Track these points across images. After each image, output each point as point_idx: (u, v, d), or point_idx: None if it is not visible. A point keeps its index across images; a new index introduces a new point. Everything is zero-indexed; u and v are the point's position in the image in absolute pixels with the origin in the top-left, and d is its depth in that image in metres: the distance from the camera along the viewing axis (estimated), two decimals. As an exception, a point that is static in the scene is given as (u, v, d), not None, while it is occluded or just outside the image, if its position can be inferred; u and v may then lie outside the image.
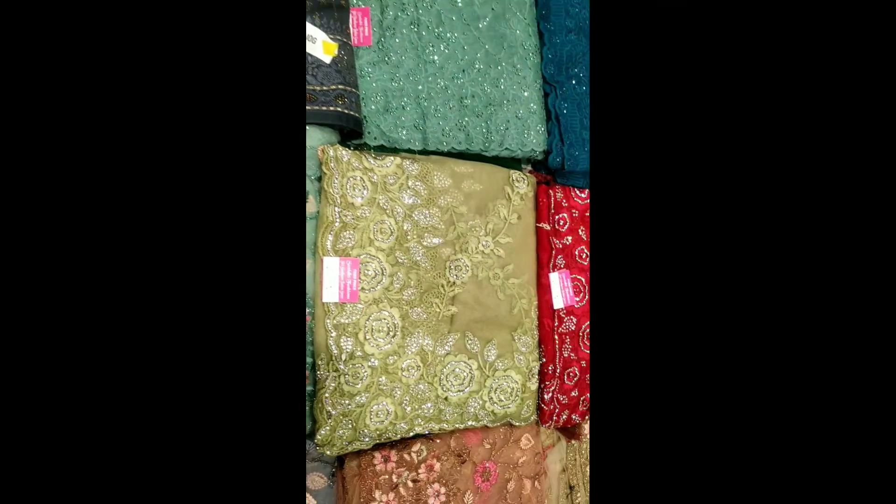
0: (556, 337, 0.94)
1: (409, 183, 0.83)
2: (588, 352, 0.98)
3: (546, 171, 1.03)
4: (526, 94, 0.98)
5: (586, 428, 1.04)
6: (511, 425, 0.92)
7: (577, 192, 0.99)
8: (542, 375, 0.94)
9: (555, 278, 0.94)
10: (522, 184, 0.94)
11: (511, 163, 1.01)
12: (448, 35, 0.92)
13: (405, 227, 0.82)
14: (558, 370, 0.94)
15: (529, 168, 1.04)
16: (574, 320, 0.96)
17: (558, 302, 0.94)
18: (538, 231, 0.95)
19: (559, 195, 0.96)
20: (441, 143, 0.92)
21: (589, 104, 1.04)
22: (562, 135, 1.00)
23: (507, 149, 0.97)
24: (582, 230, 0.99)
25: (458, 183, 0.88)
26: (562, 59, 1.02)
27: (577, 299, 0.97)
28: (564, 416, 0.96)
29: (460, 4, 0.93)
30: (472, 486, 0.85)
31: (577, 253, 0.98)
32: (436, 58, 0.90)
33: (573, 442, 1.02)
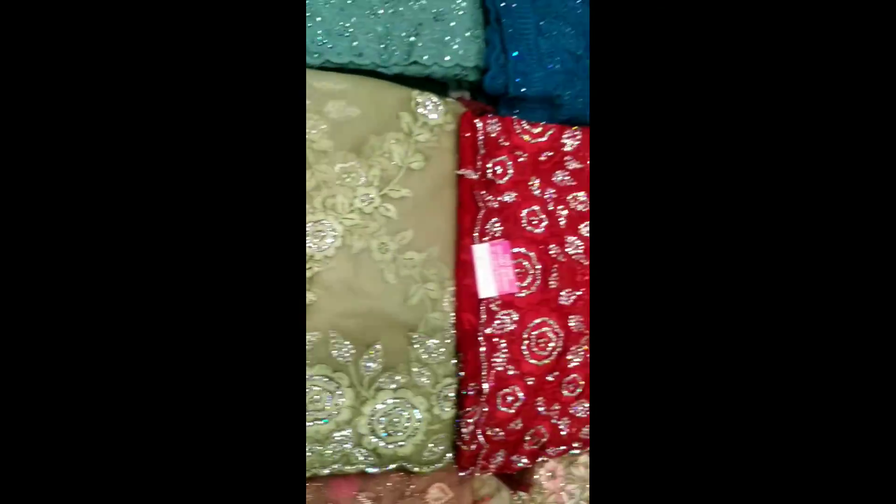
0: (484, 341, 0.62)
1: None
2: (538, 363, 0.65)
3: (487, 99, 0.71)
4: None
5: (543, 475, 0.71)
6: (408, 472, 0.60)
7: (528, 126, 0.66)
8: (461, 399, 0.62)
9: (482, 252, 0.62)
10: (432, 110, 0.63)
11: (430, 86, 0.69)
12: None
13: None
14: (485, 391, 0.62)
15: (464, 96, 0.72)
16: (515, 317, 0.63)
17: (487, 289, 0.62)
18: (459, 182, 0.63)
19: (493, 128, 0.64)
20: (313, 55, 0.63)
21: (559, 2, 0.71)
22: (504, 44, 0.67)
23: (416, 63, 0.66)
24: (535, 183, 0.66)
25: (319, 105, 0.58)
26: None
27: (522, 285, 0.64)
28: (499, 459, 0.64)
29: None
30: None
31: (524, 216, 0.65)
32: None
33: (521, 494, 0.69)
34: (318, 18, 0.63)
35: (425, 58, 0.66)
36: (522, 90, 0.67)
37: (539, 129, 0.67)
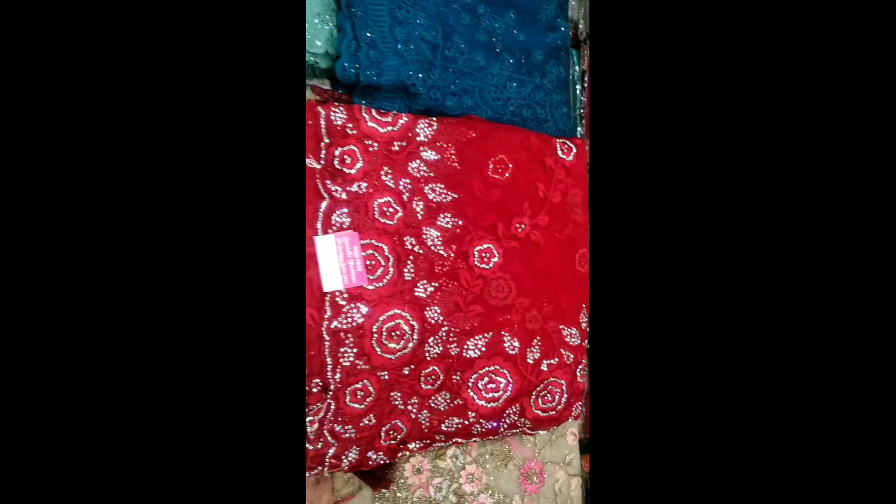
0: (327, 335, 0.60)
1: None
2: (392, 357, 0.64)
3: (344, 88, 0.69)
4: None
5: (408, 469, 0.70)
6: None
7: (377, 114, 0.64)
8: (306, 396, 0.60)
9: (326, 244, 0.60)
10: (274, 98, 0.60)
11: None
12: None
13: None
14: (332, 387, 0.60)
15: (319, 84, 0.69)
16: (365, 310, 0.62)
17: (332, 281, 0.60)
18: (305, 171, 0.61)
19: (338, 116, 0.62)
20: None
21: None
22: (356, 31, 0.65)
23: (259, 48, 0.62)
24: (389, 173, 0.65)
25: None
26: (363, -81, 0.67)
27: (372, 277, 0.62)
28: (352, 457, 0.62)
29: None
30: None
31: (376, 207, 0.64)
32: None
33: (382, 491, 0.68)
34: None
35: (268, 44, 0.63)
36: (375, 78, 0.66)
37: (389, 119, 0.65)
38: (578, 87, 1.04)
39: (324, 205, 0.61)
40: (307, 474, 0.61)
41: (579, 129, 1.02)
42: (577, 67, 1.02)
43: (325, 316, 0.60)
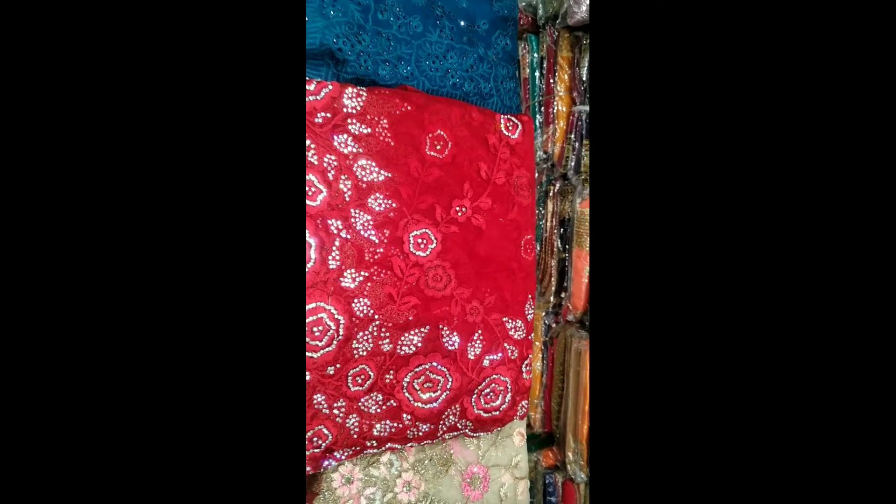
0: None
1: None
2: (314, 355, 0.56)
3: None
4: None
5: (336, 480, 0.63)
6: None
7: (298, 81, 0.56)
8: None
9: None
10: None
11: None
12: None
13: None
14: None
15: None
16: (280, 302, 0.54)
17: (241, 269, 0.51)
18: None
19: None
20: None
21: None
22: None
23: None
24: (310, 148, 0.57)
25: None
26: None
27: (290, 265, 0.54)
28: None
29: None
30: None
31: (295, 186, 0.55)
32: None
33: (304, 505, 0.60)
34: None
35: None
36: (294, 40, 0.58)
37: (312, 87, 0.57)
38: (538, 72, 0.99)
39: (230, 181, 0.52)
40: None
41: (538, 117, 0.97)
42: (535, 54, 0.98)
43: (232, 309, 0.52)
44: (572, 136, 0.98)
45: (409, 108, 0.64)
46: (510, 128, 0.72)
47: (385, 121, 0.62)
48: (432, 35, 0.68)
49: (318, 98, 0.58)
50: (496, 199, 0.70)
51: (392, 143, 0.63)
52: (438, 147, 0.65)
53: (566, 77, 0.98)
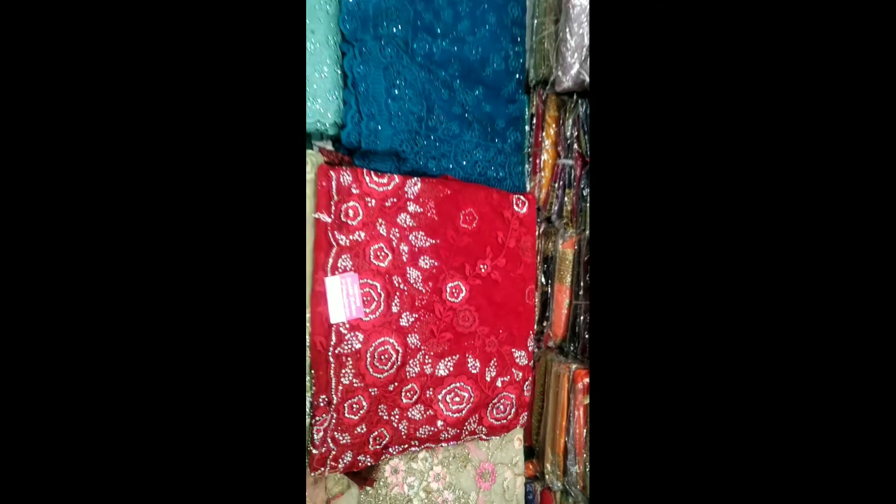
0: (332, 359, 0.73)
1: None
2: (380, 376, 0.78)
3: (347, 151, 0.82)
4: (315, 50, 0.77)
5: (387, 470, 0.84)
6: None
7: (376, 176, 0.78)
8: (313, 409, 0.73)
9: (333, 284, 0.73)
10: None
11: None
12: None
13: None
14: (335, 401, 0.73)
15: (325, 146, 0.82)
16: (361, 337, 0.75)
17: (338, 314, 0.73)
18: (316, 224, 0.74)
19: (346, 179, 0.75)
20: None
21: (403, 68, 0.84)
22: (359, 105, 0.79)
23: (279, 117, 0.75)
24: (382, 224, 0.79)
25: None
26: (367, 12, 0.81)
27: (368, 310, 0.76)
28: (347, 460, 0.75)
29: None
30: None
31: (372, 252, 0.77)
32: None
33: (367, 489, 0.81)
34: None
35: (287, 114, 0.76)
36: (373, 146, 0.80)
37: (385, 180, 0.80)
38: (528, 127, 1.13)
39: (333, 251, 0.74)
40: (311, 474, 0.73)
41: (527, 165, 1.12)
42: (526, 109, 1.13)
43: (331, 343, 0.73)
44: (556, 185, 1.09)
45: (448, 192, 0.87)
46: (520, 205, 0.95)
47: (432, 203, 0.85)
48: (465, 135, 0.91)
49: (389, 188, 0.80)
50: (508, 258, 0.93)
51: (436, 218, 0.85)
52: (469, 220, 0.88)
53: (552, 133, 1.10)
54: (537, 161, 1.10)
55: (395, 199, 0.81)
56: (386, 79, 0.83)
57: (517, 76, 0.99)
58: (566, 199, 1.09)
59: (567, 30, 0.98)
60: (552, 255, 1.09)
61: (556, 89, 1.03)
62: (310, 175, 0.75)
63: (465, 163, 0.91)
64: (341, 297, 0.74)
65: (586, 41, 0.93)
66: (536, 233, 1.05)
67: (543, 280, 1.11)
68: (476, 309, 0.88)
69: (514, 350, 0.93)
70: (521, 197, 0.96)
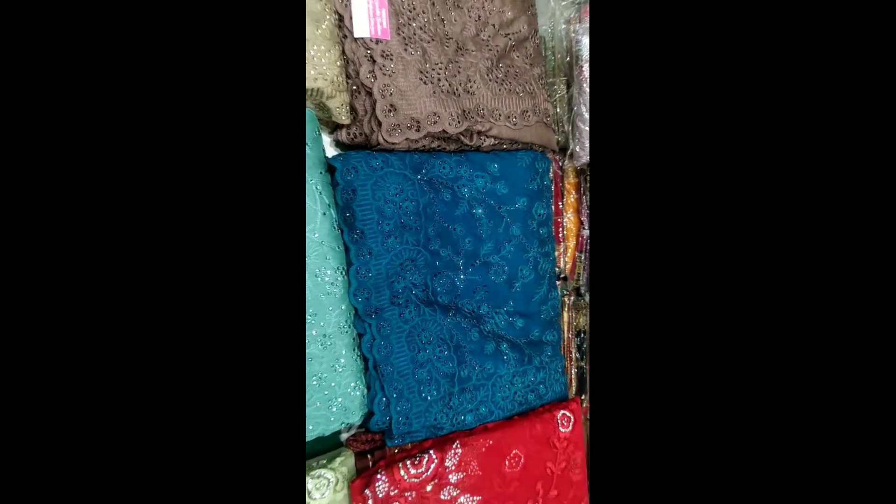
0: None
1: None
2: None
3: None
4: (328, 337, 0.71)
5: None
6: None
7: (411, 466, 0.73)
8: None
9: None
10: (324, 485, 0.68)
11: (318, 443, 0.74)
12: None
13: None
14: None
15: (353, 432, 0.77)
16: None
17: None
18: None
19: (381, 488, 0.70)
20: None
21: (425, 321, 0.77)
22: (385, 390, 0.73)
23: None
24: (423, 510, 0.74)
25: None
26: (380, 277, 0.74)
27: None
28: None
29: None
30: None
31: (418, 545, 0.73)
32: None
33: None
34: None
35: (311, 424, 0.70)
36: (405, 428, 0.75)
37: (423, 467, 0.74)
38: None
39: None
40: None
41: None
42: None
43: None
44: (582, 255, 1.06)
45: (490, 442, 0.81)
46: (565, 423, 0.89)
47: (475, 463, 0.79)
48: (501, 370, 0.85)
49: (428, 473, 0.75)
50: (560, 488, 0.87)
51: (480, 473, 0.80)
52: (514, 464, 0.83)
53: (573, 200, 1.07)
54: (559, 228, 1.07)
55: (436, 481, 0.76)
56: (410, 346, 0.76)
57: (548, 276, 0.91)
58: (594, 272, 1.02)
59: (581, 102, 0.95)
60: (584, 329, 1.07)
61: (576, 164, 1.00)
62: (340, 493, 0.70)
63: (503, 401, 0.85)
64: None
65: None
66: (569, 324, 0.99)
67: (577, 355, 1.08)
68: (530, 551, 0.84)
69: (573, 576, 0.89)
70: (566, 412, 0.90)
